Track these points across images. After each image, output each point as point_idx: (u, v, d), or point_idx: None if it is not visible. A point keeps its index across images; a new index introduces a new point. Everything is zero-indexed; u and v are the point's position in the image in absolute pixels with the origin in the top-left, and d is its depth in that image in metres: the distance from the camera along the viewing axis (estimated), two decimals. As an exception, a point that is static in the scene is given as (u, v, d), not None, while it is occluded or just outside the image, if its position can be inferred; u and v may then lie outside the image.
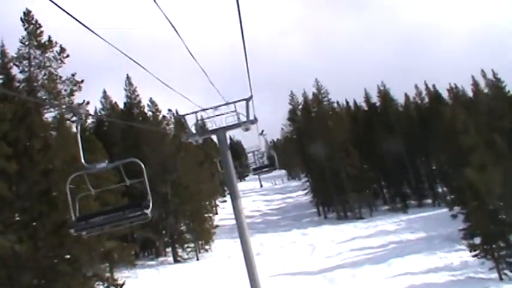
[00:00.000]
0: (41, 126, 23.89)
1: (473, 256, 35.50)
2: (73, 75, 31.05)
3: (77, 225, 8.03)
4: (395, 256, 42.03)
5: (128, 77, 63.52)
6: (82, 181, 8.84)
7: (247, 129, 17.62)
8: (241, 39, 8.23)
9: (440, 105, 64.78)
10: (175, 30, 8.98)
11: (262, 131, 29.26)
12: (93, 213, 8.46)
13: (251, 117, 17.10)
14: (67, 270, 22.56)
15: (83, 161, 8.54)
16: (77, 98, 32.16)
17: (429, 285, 33.45)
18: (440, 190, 76.20)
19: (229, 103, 17.75)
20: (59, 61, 30.26)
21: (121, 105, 64.68)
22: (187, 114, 18.10)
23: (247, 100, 16.68)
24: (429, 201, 74.23)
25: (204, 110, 18.16)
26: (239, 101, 17.10)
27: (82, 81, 31.30)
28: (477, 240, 35.95)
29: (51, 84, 29.70)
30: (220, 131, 17.21)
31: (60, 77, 30.48)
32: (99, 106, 65.14)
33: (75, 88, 30.90)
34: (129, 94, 63.29)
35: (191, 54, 11.55)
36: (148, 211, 8.21)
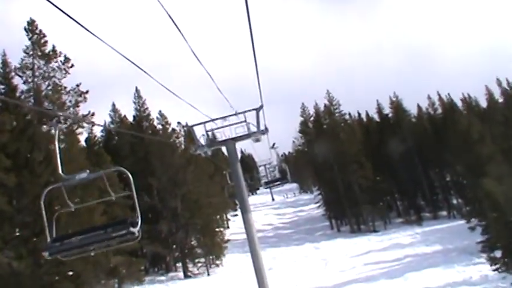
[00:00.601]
0: (43, 138, 23.05)
1: (494, 270, 34.01)
2: (78, 85, 30.38)
3: (51, 247, 6.70)
4: (412, 270, 40.63)
5: (136, 90, 63.02)
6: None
7: (257, 140, 17.18)
8: (250, 44, 8.03)
9: (455, 115, 63.43)
10: (179, 30, 8.32)
11: (274, 144, 28.64)
12: (71, 233, 7.07)
13: (262, 128, 16.37)
14: (69, 287, 21.68)
15: (60, 171, 7.31)
16: (83, 109, 31.46)
17: (448, 301, 32.09)
18: (455, 202, 74.87)
19: (239, 113, 17.32)
20: (63, 71, 29.59)
21: (130, 119, 64.13)
22: (196, 124, 17.59)
23: (258, 110, 16.24)
24: (444, 213, 72.85)
25: (212, 120, 17.66)
26: (249, 110, 16.78)
27: (87, 91, 30.63)
28: (497, 254, 34.57)
29: (55, 95, 29.00)
30: (230, 142, 16.63)
31: (65, 88, 29.79)
32: (108, 119, 64.57)
33: (80, 99, 30.22)
34: (138, 107, 62.71)
35: (196, 57, 10.81)
36: (135, 229, 6.80)
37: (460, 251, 45.37)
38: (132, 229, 6.71)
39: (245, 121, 16.77)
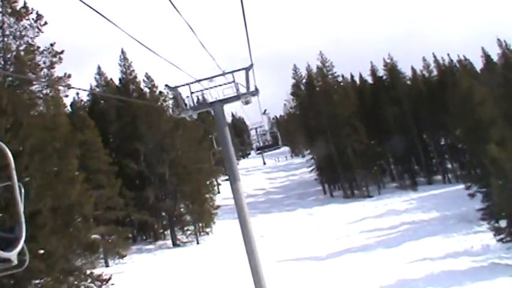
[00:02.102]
0: (11, 103, 20.82)
1: (499, 240, 32.31)
2: (52, 45, 27.74)
3: None
4: (410, 239, 38.97)
5: (122, 52, 60.63)
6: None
7: (247, 102, 15.80)
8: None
9: (455, 76, 61.18)
10: None
11: (265, 110, 27.63)
12: None
13: (252, 89, 14.95)
14: (40, 268, 19.66)
15: None
16: (58, 71, 28.91)
17: (450, 274, 30.18)
18: (449, 166, 73.56)
19: (227, 73, 15.90)
20: (36, 29, 27.01)
21: (117, 82, 61.77)
22: (180, 86, 15.86)
23: (247, 69, 14.54)
24: (439, 177, 71.50)
25: (198, 81, 16.17)
26: (238, 70, 14.88)
27: (62, 51, 28.00)
28: (502, 223, 32.91)
29: (27, 55, 26.51)
30: (217, 104, 15.02)
31: (38, 48, 27.24)
32: (94, 83, 62.11)
33: (55, 60, 27.69)
34: (124, 69, 60.35)
35: (176, 10, 8.75)
36: (14, 252, 3.42)
37: (458, 219, 43.77)
38: (7, 253, 3.37)
39: (234, 81, 14.99)
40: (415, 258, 34.13)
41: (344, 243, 42.17)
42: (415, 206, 53.94)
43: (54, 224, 21.43)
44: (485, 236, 35.87)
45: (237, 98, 14.90)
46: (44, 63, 27.57)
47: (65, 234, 22.60)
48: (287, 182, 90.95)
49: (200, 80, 16.02)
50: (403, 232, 42.83)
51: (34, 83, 26.49)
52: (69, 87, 28.48)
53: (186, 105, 16.00)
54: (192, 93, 15.77)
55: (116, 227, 43.47)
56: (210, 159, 37.74)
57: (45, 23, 27.14)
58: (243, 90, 14.95)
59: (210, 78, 15.91)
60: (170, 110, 50.88)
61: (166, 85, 18.17)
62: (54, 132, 25.78)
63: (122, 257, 36.89)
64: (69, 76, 27.90)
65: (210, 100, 15.64)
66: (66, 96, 29.83)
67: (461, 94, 43.96)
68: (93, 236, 33.44)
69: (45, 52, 27.62)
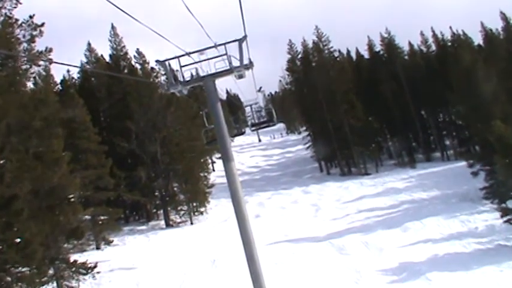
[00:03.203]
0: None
1: (506, 222, 30.83)
2: (31, 17, 25.80)
3: None
4: (411, 219, 37.38)
5: (112, 27, 58.73)
6: None
7: (241, 76, 13.99)
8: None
9: (457, 50, 59.30)
10: None
11: (260, 87, 26.53)
12: None
13: (245, 62, 13.39)
14: (16, 259, 18.08)
15: None
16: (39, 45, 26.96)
17: (455, 256, 28.83)
18: (447, 143, 72.32)
19: (219, 45, 14.07)
20: (14, 1, 25.07)
21: (108, 59, 59.97)
22: (168, 59, 14.31)
23: (241, 41, 12.98)
24: (437, 154, 70.27)
25: (188, 54, 14.45)
26: (230, 42, 13.23)
27: (43, 24, 25.99)
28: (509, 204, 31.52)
29: (5, 28, 24.61)
30: (208, 78, 13.42)
31: (16, 20, 25.32)
32: (84, 60, 60.24)
33: (35, 33, 25.79)
34: (114, 45, 58.58)
35: None
36: None
37: (460, 198, 42.38)
38: None
39: (226, 54, 13.29)
40: (417, 239, 32.73)
41: (342, 223, 40.82)
42: (415, 184, 52.53)
43: (33, 209, 19.82)
44: (489, 216, 34.52)
45: (229, 71, 13.39)
46: (24, 36, 25.75)
47: (45, 220, 21.05)
48: (283, 159, 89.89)
49: (190, 53, 14.58)
50: (403, 212, 41.43)
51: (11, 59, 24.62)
52: (50, 62, 26.51)
53: (176, 80, 14.64)
54: (181, 66, 14.36)
55: (106, 208, 42.01)
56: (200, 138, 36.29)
57: (24, -8, 25.20)
58: (236, 63, 13.48)
59: (201, 51, 14.49)
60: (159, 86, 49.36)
61: (156, 60, 16.64)
62: (34, 111, 24.01)
63: (109, 242, 35.19)
64: (51, 50, 26.03)
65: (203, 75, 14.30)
66: (48, 72, 27.92)
67: (464, 69, 42.27)
68: (81, 219, 31.81)
69: (24, 25, 25.75)
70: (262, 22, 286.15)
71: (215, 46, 14.35)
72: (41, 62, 26.44)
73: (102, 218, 41.67)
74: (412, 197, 46.21)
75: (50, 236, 21.98)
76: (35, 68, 27.05)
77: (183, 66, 14.50)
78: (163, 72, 55.14)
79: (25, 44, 25.86)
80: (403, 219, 37.73)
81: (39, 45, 26.94)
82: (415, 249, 30.94)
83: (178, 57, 14.20)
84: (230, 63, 13.57)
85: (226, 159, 13.32)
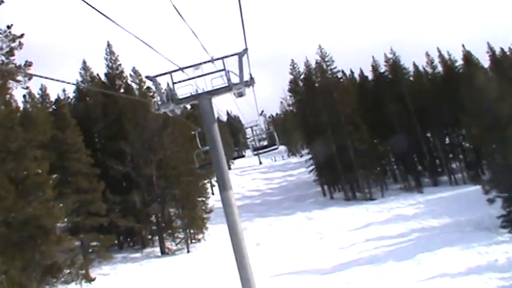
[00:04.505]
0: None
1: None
2: (9, 27, 23.56)
3: None
4: (423, 250, 34.59)
5: (108, 44, 56.74)
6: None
7: (240, 95, 12.39)
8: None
9: (471, 69, 57.18)
10: None
11: (262, 111, 25.03)
12: None
13: (246, 78, 12.05)
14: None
15: None
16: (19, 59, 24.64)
17: (476, 295, 26.28)
18: (454, 166, 69.88)
19: (216, 59, 12.29)
20: (-14, 7, 22.86)
21: (103, 78, 58.02)
22: (159, 75, 12.62)
23: (241, 55, 11.57)
24: (444, 178, 67.69)
25: (181, 69, 12.64)
26: (229, 56, 11.93)
27: (22, 35, 23.82)
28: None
29: (-19, 39, 22.40)
30: (204, 96, 12.10)
31: (-5, 32, 23.07)
32: (79, 79, 58.26)
33: (14, 45, 23.56)
34: (109, 63, 56.50)
35: None
36: None
37: (474, 226, 39.69)
38: None
39: (224, 69, 11.93)
40: (432, 273, 29.98)
41: (349, 253, 38.16)
42: (424, 210, 49.87)
43: (3, 243, 17.36)
44: (509, 248, 31.99)
45: (228, 89, 11.92)
46: (1, 49, 23.46)
47: (15, 256, 18.55)
48: (284, 182, 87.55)
49: (184, 68, 12.63)
50: (414, 241, 38.72)
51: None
52: (30, 76, 24.14)
53: (168, 98, 12.64)
54: (174, 83, 12.47)
55: (97, 234, 39.54)
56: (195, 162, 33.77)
57: (2, 1, 22.88)
58: (235, 80, 11.78)
59: (196, 66, 12.58)
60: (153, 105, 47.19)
61: (146, 76, 14.48)
62: (10, 131, 21.64)
63: (90, 281, 32.30)
64: (30, 64, 23.70)
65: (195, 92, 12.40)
66: (26, 88, 25.64)
67: (477, 89, 40.04)
68: (67, 249, 29.20)
69: (1, 36, 23.49)
70: (262, 43, 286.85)
71: (212, 60, 12.49)
72: (20, 78, 24.01)
73: (93, 244, 39.37)
74: (422, 225, 43.59)
75: (21, 274, 19.50)
76: (13, 84, 24.71)
77: (176, 82, 12.66)
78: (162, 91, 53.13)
79: (2, 57, 23.61)
80: (415, 250, 34.97)
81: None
82: (431, 285, 28.29)
83: (170, 72, 12.34)
84: (229, 79, 11.91)
85: (223, 188, 11.49)
